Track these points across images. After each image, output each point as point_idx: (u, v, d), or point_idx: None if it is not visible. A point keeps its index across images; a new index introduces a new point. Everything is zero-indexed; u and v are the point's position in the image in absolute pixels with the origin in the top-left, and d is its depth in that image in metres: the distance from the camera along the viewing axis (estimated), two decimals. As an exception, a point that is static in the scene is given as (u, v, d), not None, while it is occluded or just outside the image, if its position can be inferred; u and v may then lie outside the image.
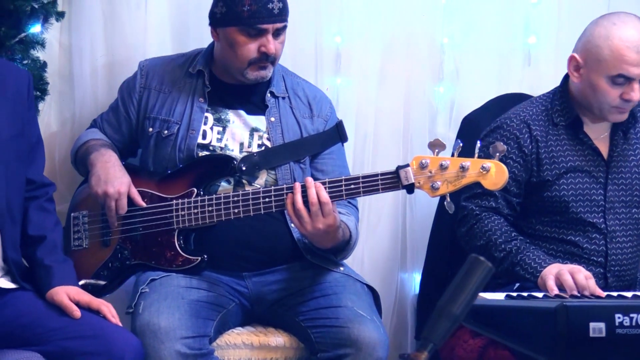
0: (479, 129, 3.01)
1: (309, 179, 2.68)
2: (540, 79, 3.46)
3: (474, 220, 2.86)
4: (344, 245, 2.86)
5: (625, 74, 2.76)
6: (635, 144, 2.94)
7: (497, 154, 2.55)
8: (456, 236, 2.93)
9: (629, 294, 2.61)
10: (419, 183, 2.61)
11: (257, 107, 2.95)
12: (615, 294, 2.61)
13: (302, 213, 2.65)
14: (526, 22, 3.51)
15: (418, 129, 3.45)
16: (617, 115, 2.85)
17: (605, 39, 2.78)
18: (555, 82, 2.98)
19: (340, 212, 2.82)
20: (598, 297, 2.58)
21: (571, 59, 2.87)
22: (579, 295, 2.59)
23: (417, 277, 3.44)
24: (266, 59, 2.84)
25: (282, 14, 2.84)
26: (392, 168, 2.66)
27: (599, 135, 2.91)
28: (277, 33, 2.85)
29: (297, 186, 2.67)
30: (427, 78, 3.47)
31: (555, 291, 2.61)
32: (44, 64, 3.13)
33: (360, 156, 3.42)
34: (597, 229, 2.87)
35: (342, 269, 2.91)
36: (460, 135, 3.19)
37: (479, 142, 2.62)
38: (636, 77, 2.77)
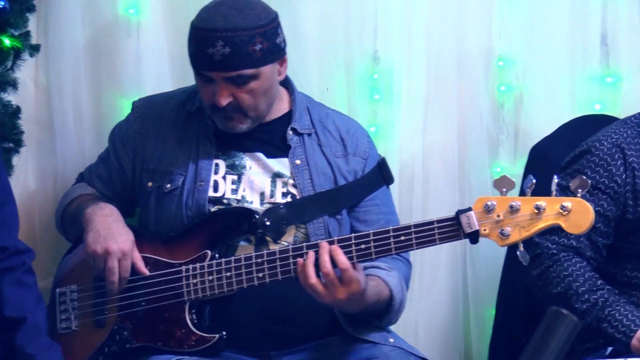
0: (551, 161, 3.02)
1: (323, 244, 2.65)
2: (623, 95, 3.44)
3: (550, 262, 2.82)
4: (383, 309, 2.81)
5: None
6: None
7: (580, 190, 2.50)
8: (527, 280, 2.88)
9: None
10: (484, 230, 2.57)
11: (277, 148, 2.92)
12: None
13: (316, 288, 2.63)
14: (603, 28, 3.48)
15: (476, 166, 3.44)
16: None
17: None
18: (641, 99, 2.98)
19: (379, 267, 2.80)
20: None
21: None
22: None
23: (484, 347, 3.39)
24: (223, 110, 2.82)
25: (229, 63, 2.77)
26: (450, 214, 2.62)
27: None
28: (236, 81, 2.80)
29: (311, 256, 2.64)
30: (484, 103, 3.45)
31: None
32: (17, 109, 3.17)
33: (408, 202, 3.40)
34: None
35: (391, 340, 2.84)
36: (530, 169, 3.17)
37: (555, 177, 2.57)
38: None
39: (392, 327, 2.93)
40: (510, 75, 3.45)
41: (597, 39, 3.48)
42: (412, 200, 3.40)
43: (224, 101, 2.79)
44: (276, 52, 2.83)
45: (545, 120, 3.37)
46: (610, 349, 2.74)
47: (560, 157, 2.97)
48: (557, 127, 3.28)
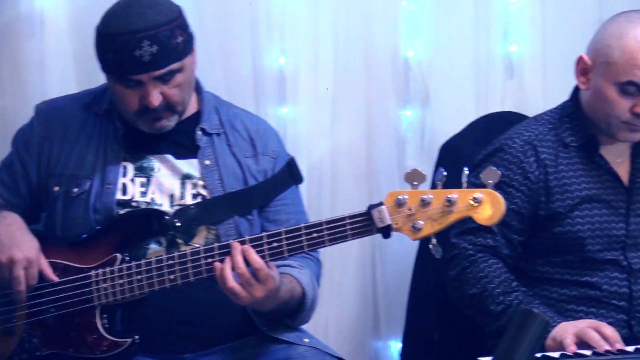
0: (461, 158, 2.98)
1: (235, 245, 2.63)
2: (526, 93, 3.49)
3: (467, 263, 2.83)
4: (296, 307, 2.81)
5: (637, 81, 2.75)
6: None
7: (490, 182, 2.49)
8: (443, 280, 2.88)
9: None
10: (396, 224, 2.54)
11: (186, 148, 2.90)
12: (643, 345, 2.59)
13: (235, 291, 2.61)
14: (505, 28, 3.54)
15: (384, 164, 3.45)
16: (628, 133, 2.84)
17: (617, 38, 2.78)
18: (544, 96, 3.06)
19: (290, 266, 2.81)
20: (624, 352, 2.54)
21: (579, 60, 2.87)
22: (602, 353, 2.54)
23: (395, 345, 3.43)
24: (154, 111, 2.80)
25: (159, 60, 2.76)
26: (361, 209, 2.59)
27: (618, 158, 2.89)
28: (165, 78, 2.79)
29: (228, 260, 2.63)
30: (391, 101, 3.47)
31: (574, 348, 2.55)
32: None
33: (317, 201, 3.40)
34: (619, 268, 2.85)
35: (306, 340, 2.85)
36: (440, 166, 3.11)
37: (465, 169, 2.55)
38: None
39: (304, 327, 2.93)
40: (416, 74, 3.48)
41: (500, 38, 3.54)
42: (320, 200, 3.41)
43: (157, 100, 2.78)
44: (191, 42, 2.84)
45: (450, 119, 3.41)
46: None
47: (469, 154, 2.98)
48: (466, 125, 3.31)
